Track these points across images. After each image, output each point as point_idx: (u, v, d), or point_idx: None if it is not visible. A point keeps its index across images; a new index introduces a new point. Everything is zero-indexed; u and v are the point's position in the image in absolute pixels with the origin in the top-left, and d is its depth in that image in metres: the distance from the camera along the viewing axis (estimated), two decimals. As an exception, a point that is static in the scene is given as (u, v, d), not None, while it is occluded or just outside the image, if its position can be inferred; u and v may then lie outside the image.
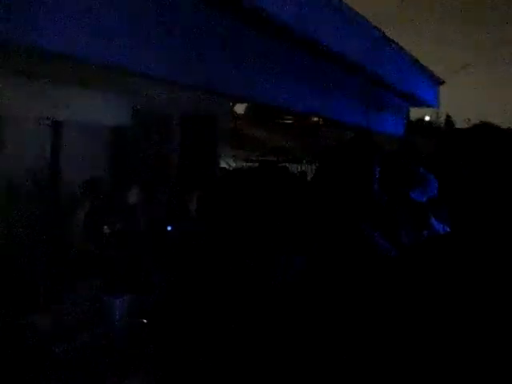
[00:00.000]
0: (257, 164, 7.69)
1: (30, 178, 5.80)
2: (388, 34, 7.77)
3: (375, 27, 7.27)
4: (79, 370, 3.76)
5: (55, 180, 6.26)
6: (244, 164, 11.37)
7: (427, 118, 35.39)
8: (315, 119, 15.07)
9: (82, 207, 5.83)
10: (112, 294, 4.52)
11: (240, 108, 13.77)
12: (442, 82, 11.18)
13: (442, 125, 32.94)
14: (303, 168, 10.94)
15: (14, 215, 5.53)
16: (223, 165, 9.89)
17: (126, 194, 6.55)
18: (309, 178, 7.86)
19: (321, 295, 2.05)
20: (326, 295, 2.04)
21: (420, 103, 10.73)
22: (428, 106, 11.49)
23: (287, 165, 7.50)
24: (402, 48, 8.54)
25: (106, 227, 5.87)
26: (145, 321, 4.37)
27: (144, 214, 6.44)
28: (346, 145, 2.56)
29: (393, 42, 8.10)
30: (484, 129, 2.02)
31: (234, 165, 11.31)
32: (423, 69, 9.83)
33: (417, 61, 9.40)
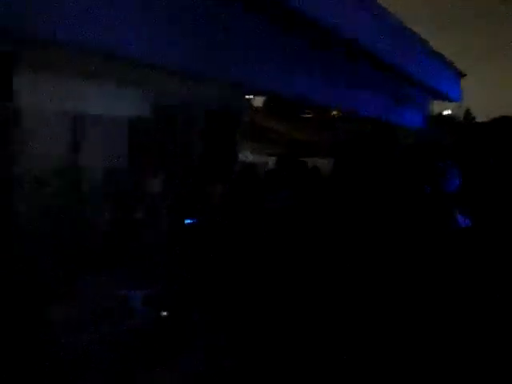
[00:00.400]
0: (274, 158, 7.66)
1: (51, 172, 5.81)
2: (407, 23, 7.68)
3: (395, 18, 7.19)
4: (99, 362, 3.76)
5: (77, 172, 6.27)
6: (262, 157, 11.31)
7: (448, 112, 35.07)
8: (333, 113, 14.97)
9: (105, 199, 5.86)
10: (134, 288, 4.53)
11: (258, 102, 13.72)
12: (464, 75, 11.04)
13: (462, 118, 32.63)
14: (321, 162, 10.89)
15: (37, 208, 5.55)
16: (241, 158, 9.86)
17: (145, 187, 6.56)
18: (324, 172, 7.81)
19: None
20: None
21: (441, 96, 10.61)
22: (449, 100, 11.36)
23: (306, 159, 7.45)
24: (423, 40, 8.45)
25: (127, 217, 5.89)
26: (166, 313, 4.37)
27: (162, 207, 6.45)
28: (365, 138, 2.53)
29: (414, 33, 8.00)
30: (504, 122, 1.99)
31: (251, 158, 11.27)
32: (445, 61, 9.72)
33: (438, 53, 9.29)
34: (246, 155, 10.94)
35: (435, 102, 11.78)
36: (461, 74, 10.95)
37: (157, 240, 5.73)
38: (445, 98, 10.89)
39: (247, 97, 11.24)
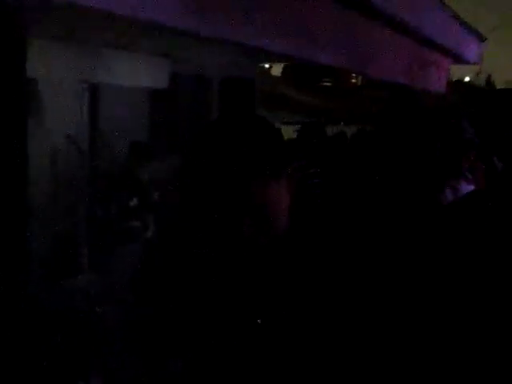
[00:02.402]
0: (296, 126, 7.60)
1: (70, 143, 5.81)
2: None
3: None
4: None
5: (96, 144, 6.28)
6: (281, 126, 11.26)
7: (467, 79, 34.61)
8: (354, 80, 14.83)
9: (125, 173, 5.86)
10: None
11: (277, 70, 13.60)
12: (485, 39, 10.85)
13: (483, 85, 32.22)
14: (343, 129, 10.80)
15: (55, 182, 5.57)
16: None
17: (166, 159, 6.54)
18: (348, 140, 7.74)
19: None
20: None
21: (462, 60, 10.44)
22: (470, 63, 11.18)
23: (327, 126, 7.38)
24: (443, 3, 8.30)
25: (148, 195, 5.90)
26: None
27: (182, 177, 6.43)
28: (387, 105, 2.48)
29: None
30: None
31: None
32: (465, 24, 9.55)
33: (458, 16, 9.13)
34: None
35: (455, 67, 11.61)
36: (482, 39, 10.76)
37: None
38: (465, 61, 10.72)
39: (266, 65, 11.17)
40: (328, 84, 14.31)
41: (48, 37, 4.94)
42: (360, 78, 14.30)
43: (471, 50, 10.02)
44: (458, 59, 10.32)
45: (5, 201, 2.94)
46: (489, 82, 32.60)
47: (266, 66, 11.60)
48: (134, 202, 5.63)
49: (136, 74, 6.30)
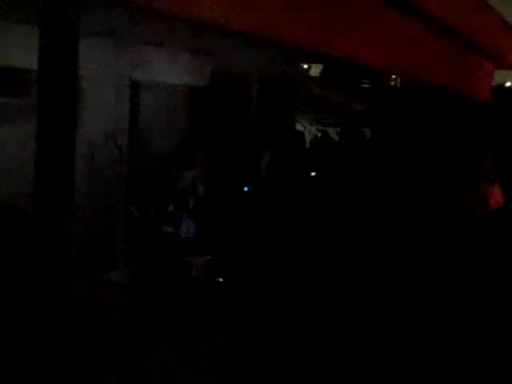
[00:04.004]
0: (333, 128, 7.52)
1: (110, 140, 5.82)
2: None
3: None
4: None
5: (135, 142, 6.28)
6: (319, 127, 11.17)
7: (508, 84, 33.95)
8: (393, 83, 14.65)
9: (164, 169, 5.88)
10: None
11: (316, 71, 13.51)
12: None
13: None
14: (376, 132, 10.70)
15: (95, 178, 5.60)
16: (299, 127, 9.74)
17: (201, 155, 6.53)
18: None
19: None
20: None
21: (506, 65, 10.26)
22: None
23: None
24: (489, 5, 8.14)
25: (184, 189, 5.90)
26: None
27: (219, 176, 6.43)
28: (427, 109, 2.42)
29: (480, -1, 7.71)
30: None
31: (309, 128, 11.14)
32: (511, 29, 9.37)
33: (505, 20, 8.96)
34: (304, 125, 10.81)
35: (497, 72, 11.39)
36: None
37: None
38: (509, 67, 10.53)
39: (305, 66, 11.08)
40: (366, 86, 14.16)
41: (90, 33, 4.95)
42: (399, 80, 14.11)
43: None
44: (503, 64, 10.13)
45: (46, 196, 2.95)
46: (530, 87, 31.91)
47: (305, 66, 11.52)
48: (170, 208, 5.68)
49: (177, 71, 6.30)
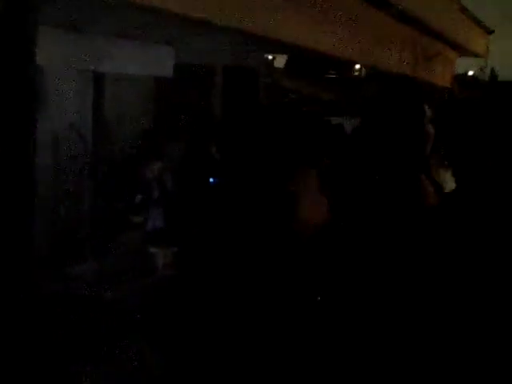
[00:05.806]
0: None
1: (73, 131, 5.77)
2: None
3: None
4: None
5: (100, 133, 6.23)
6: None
7: (471, 73, 34.41)
8: (357, 73, 14.76)
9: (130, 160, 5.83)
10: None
11: (280, 62, 13.53)
12: (492, 32, 10.79)
13: (487, 79, 32.06)
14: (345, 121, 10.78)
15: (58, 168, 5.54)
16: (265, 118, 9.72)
17: (169, 146, 6.51)
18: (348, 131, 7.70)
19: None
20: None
21: (468, 53, 10.38)
22: (476, 56, 11.12)
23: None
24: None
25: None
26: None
27: (188, 168, 6.42)
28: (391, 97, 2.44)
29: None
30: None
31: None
32: (472, 17, 9.49)
33: (466, 9, 9.08)
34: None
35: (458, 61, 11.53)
36: (488, 32, 10.70)
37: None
38: (471, 54, 10.65)
39: (269, 56, 11.08)
40: (331, 76, 14.23)
41: (53, 24, 4.89)
42: (363, 69, 14.21)
43: (478, 42, 9.96)
44: (465, 52, 10.26)
45: (8, 189, 2.91)
46: (493, 76, 32.41)
47: (270, 57, 11.52)
48: (138, 198, 5.64)
49: (140, 62, 6.25)
